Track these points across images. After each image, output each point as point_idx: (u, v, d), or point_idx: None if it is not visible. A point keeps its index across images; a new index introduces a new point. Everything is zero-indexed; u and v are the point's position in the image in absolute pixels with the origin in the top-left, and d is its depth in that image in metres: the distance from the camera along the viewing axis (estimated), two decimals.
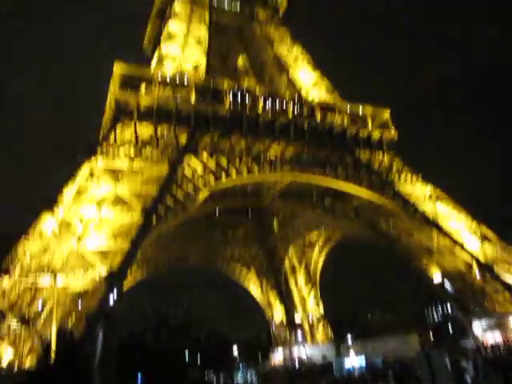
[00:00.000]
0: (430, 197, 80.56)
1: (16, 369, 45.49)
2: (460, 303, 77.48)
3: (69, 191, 58.46)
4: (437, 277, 78.60)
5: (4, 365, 46.75)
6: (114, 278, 51.70)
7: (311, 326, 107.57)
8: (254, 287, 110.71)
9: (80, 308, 53.52)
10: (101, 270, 52.75)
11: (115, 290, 51.54)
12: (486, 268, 72.61)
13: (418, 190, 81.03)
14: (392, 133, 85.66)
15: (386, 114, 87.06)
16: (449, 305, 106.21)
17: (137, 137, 65.61)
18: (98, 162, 61.06)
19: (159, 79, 70.54)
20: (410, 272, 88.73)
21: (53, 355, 35.61)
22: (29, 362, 47.56)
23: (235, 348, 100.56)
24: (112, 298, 50.65)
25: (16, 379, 36.99)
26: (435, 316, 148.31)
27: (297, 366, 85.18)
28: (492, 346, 58.23)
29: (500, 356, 38.88)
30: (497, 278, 71.99)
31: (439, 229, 75.74)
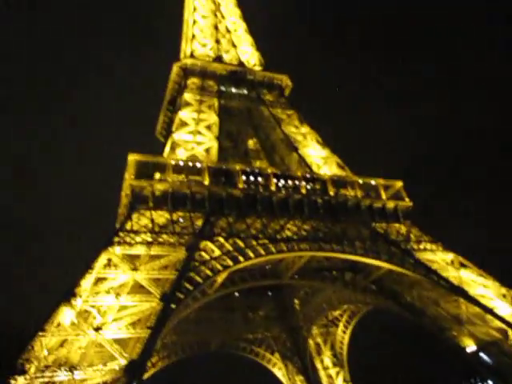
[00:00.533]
0: (453, 264, 78.79)
1: None
2: (500, 376, 73.06)
3: (87, 281, 58.23)
4: (470, 348, 74.93)
5: None
6: (134, 368, 49.97)
7: None
8: (280, 372, 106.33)
9: None
10: (120, 360, 51.20)
11: (136, 381, 49.79)
12: None
13: (440, 258, 79.54)
14: (406, 202, 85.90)
15: (399, 185, 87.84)
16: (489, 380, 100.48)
17: (153, 223, 66.24)
18: (116, 250, 61.33)
19: (173, 165, 72.40)
20: (442, 346, 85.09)
21: None
22: None
23: None
24: None
25: None
26: None
27: None
28: None
29: None
30: None
31: (466, 295, 73.13)
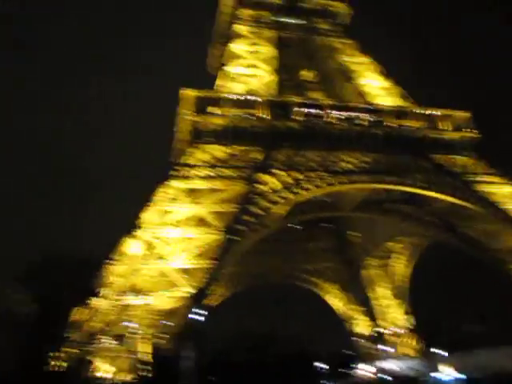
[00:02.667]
0: None
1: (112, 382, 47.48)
2: None
3: (150, 214, 60.68)
4: None
5: (100, 378, 49.04)
6: (201, 296, 52.78)
7: (398, 339, 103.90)
8: (337, 301, 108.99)
9: (171, 326, 55.12)
10: (188, 289, 54.05)
11: (203, 308, 52.71)
12: None
13: (505, 191, 76.67)
14: (473, 134, 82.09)
15: (466, 116, 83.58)
16: None
17: (212, 157, 67.17)
18: (176, 183, 62.98)
19: (231, 99, 72.01)
20: (500, 278, 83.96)
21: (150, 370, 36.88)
22: (123, 376, 49.51)
23: (319, 363, 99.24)
24: (200, 315, 51.72)
25: None
26: None
27: (387, 378, 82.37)
28: None
29: None
30: None
31: None
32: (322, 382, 76.68)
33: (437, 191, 73.11)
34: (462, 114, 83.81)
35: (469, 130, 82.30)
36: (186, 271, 57.29)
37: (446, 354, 78.31)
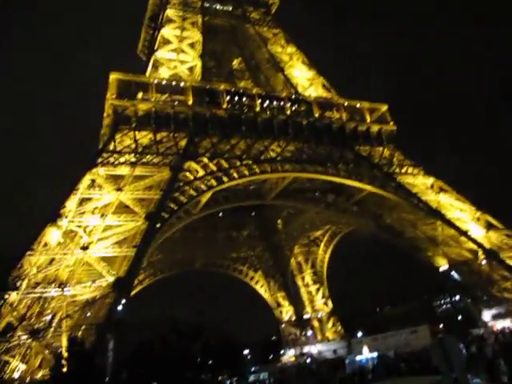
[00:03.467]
0: (433, 188, 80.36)
1: (28, 380, 45.40)
2: (468, 292, 77.35)
3: (72, 202, 58.45)
4: (443, 267, 78.59)
5: (16, 377, 46.71)
6: (121, 285, 51.53)
7: (321, 324, 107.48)
8: (262, 288, 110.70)
9: (89, 317, 53.56)
10: (108, 278, 52.67)
11: (123, 297, 51.60)
12: (492, 255, 72.32)
13: (421, 182, 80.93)
14: (390, 126, 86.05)
15: (384, 108, 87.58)
16: (458, 295, 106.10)
17: (137, 143, 65.59)
18: (100, 171, 61.08)
19: (155, 84, 70.56)
20: (417, 264, 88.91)
21: (64, 365, 35.64)
22: (40, 374, 47.53)
23: (247, 350, 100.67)
24: (120, 305, 50.64)
25: None
26: (445, 307, 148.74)
27: (308, 362, 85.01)
28: (502, 332, 58.12)
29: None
30: (503, 264, 71.71)
31: (443, 219, 75.45)
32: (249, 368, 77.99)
33: (358, 180, 75.83)
34: (380, 106, 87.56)
35: (386, 122, 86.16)
36: (106, 260, 55.77)
37: (361, 336, 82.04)
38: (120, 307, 50.64)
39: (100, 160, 62.13)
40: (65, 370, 36.17)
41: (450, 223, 75.44)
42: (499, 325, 69.06)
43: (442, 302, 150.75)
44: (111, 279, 52.72)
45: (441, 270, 79.01)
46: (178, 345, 45.28)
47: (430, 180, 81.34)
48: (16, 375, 47.01)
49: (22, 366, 47.29)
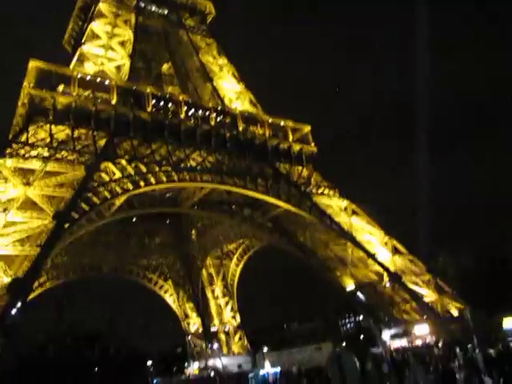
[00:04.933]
0: (346, 210, 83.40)
1: None
2: (371, 313, 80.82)
3: None
4: (350, 287, 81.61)
5: None
6: (18, 287, 48.27)
7: (228, 337, 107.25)
8: (171, 298, 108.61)
9: None
10: (3, 278, 49.23)
11: (19, 300, 48.31)
12: (396, 278, 76.22)
13: (335, 204, 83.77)
14: (311, 147, 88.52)
15: (307, 129, 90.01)
16: (361, 315, 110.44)
17: (52, 138, 62.32)
18: (7, 162, 57.27)
19: (79, 78, 67.70)
20: (326, 283, 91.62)
21: None
22: None
23: (150, 362, 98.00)
24: (15, 308, 47.32)
25: None
26: (349, 326, 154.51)
27: (211, 375, 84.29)
28: (396, 350, 61.04)
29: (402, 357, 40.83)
30: (405, 287, 75.78)
31: (354, 240, 78.46)
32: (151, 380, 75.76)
33: (274, 197, 77.03)
34: (303, 127, 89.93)
35: (308, 142, 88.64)
36: (4, 258, 52.22)
37: (267, 351, 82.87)
38: (14, 311, 47.31)
39: (9, 151, 58.34)
40: None
41: (359, 245, 78.61)
42: (396, 344, 72.66)
43: (347, 320, 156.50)
44: (7, 279, 49.44)
45: (347, 289, 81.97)
46: (73, 350, 42.80)
47: (344, 202, 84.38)
48: None
49: None
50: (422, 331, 73.50)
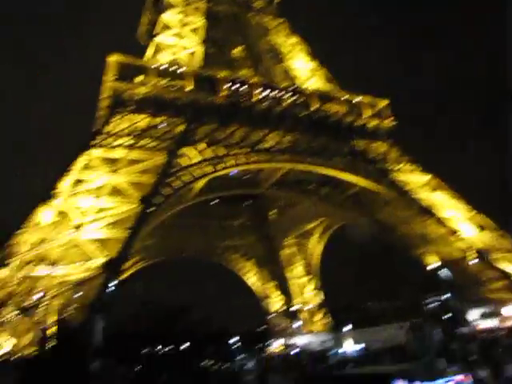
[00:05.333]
0: (428, 186, 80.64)
1: (17, 356, 45.74)
2: (456, 291, 77.93)
3: (66, 182, 58.49)
4: (433, 265, 79.11)
5: (5, 352, 47.10)
6: (111, 267, 51.80)
7: (310, 315, 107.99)
8: (253, 278, 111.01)
9: (79, 297, 53.83)
10: (98, 259, 52.88)
11: (114, 279, 51.89)
12: (482, 255, 72.86)
13: (416, 179, 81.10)
14: (389, 122, 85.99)
15: (384, 103, 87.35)
16: (446, 294, 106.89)
17: (133, 127, 65.51)
18: (95, 152, 61.06)
19: (155, 68, 70.33)
20: (408, 261, 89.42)
21: (50, 342, 35.91)
22: (30, 351, 47.84)
23: (233, 339, 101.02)
24: (110, 286, 50.91)
25: (16, 365, 37.28)
26: (432, 305, 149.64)
27: (295, 352, 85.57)
28: (485, 331, 58.65)
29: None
30: (492, 265, 72.29)
31: (435, 217, 75.84)
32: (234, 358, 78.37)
33: (352, 174, 76.09)
34: (380, 101, 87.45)
35: (386, 117, 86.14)
36: (98, 241, 55.98)
37: (350, 329, 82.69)
38: (110, 288, 50.96)
39: (96, 142, 62.13)
40: (54, 347, 36.43)
41: (442, 222, 75.89)
42: (483, 325, 69.71)
43: (431, 299, 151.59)
44: (102, 260, 53.00)
45: (430, 267, 79.57)
46: (163, 321, 45.42)
47: (426, 177, 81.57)
48: (6, 349, 47.42)
49: (12, 341, 47.69)
50: None
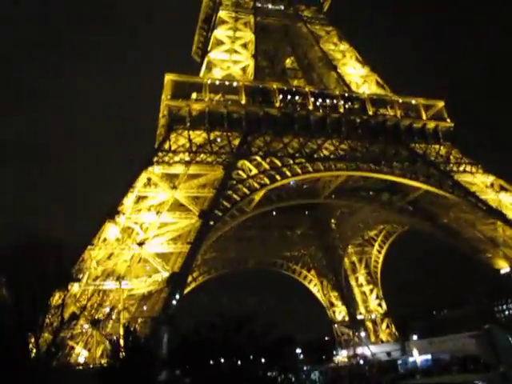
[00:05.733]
0: (493, 186, 77.45)
1: (91, 366, 47.68)
2: None
3: (129, 200, 60.61)
4: (505, 269, 75.43)
5: (80, 362, 49.26)
6: (176, 280, 53.03)
7: (375, 325, 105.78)
8: (315, 288, 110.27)
9: (145, 310, 55.52)
10: (163, 273, 54.31)
11: (178, 292, 53.10)
12: None
13: (479, 180, 78.23)
14: (447, 123, 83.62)
15: (440, 105, 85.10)
16: None
17: (191, 142, 67.13)
18: (155, 169, 62.99)
19: (209, 84, 71.94)
20: (475, 266, 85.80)
21: (120, 354, 37.17)
22: (102, 361, 49.73)
23: (299, 349, 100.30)
24: (175, 300, 52.11)
25: (92, 374, 38.79)
26: (506, 312, 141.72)
27: (361, 363, 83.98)
28: None
29: None
30: None
31: (504, 219, 72.51)
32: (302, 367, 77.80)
33: (413, 179, 74.20)
34: (436, 102, 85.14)
35: (443, 118, 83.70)
36: (162, 255, 57.53)
37: (417, 339, 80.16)
38: (174, 302, 52.15)
39: (156, 159, 64.11)
40: (123, 359, 37.66)
41: (511, 223, 72.42)
42: None
43: (505, 307, 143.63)
44: (166, 274, 54.39)
45: (502, 272, 75.91)
46: (223, 332, 45.58)
47: (490, 178, 78.49)
48: (81, 360, 49.60)
49: (85, 353, 49.78)
50: None
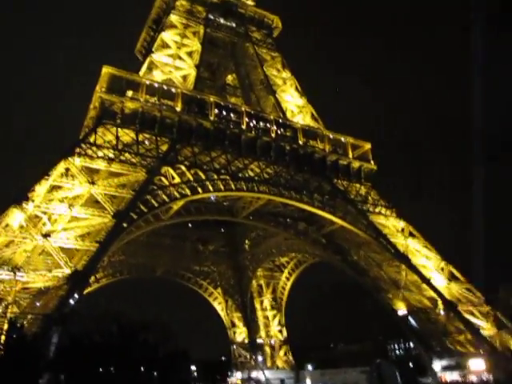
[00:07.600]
0: (403, 231, 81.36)
1: None
2: (422, 340, 77.73)
3: (42, 187, 57.18)
4: (402, 311, 79.06)
5: None
6: (77, 279, 50.34)
7: (273, 350, 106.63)
8: (220, 306, 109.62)
9: (38, 307, 52.14)
10: (65, 269, 51.39)
11: (77, 291, 50.39)
12: (451, 306, 73.22)
13: (391, 224, 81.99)
14: (371, 165, 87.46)
15: (367, 147, 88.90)
16: (412, 341, 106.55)
17: (118, 140, 64.87)
18: (76, 161, 60.02)
19: (147, 85, 70.34)
20: (376, 305, 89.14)
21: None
22: None
23: (194, 366, 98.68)
24: (73, 299, 49.38)
25: None
26: (398, 352, 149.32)
27: None
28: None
29: None
30: (460, 317, 72.55)
31: (409, 263, 76.30)
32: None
33: (331, 213, 76.45)
34: (364, 144, 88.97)
35: (368, 160, 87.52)
36: (66, 251, 54.53)
37: (311, 369, 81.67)
38: (72, 301, 49.39)
39: (78, 150, 61.10)
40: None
41: (414, 269, 76.27)
42: (448, 377, 69.49)
43: (397, 346, 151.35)
44: (68, 271, 51.49)
45: (399, 313, 79.48)
46: (118, 338, 43.65)
47: (402, 223, 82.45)
48: None
49: None
50: (478, 366, 69.08)
